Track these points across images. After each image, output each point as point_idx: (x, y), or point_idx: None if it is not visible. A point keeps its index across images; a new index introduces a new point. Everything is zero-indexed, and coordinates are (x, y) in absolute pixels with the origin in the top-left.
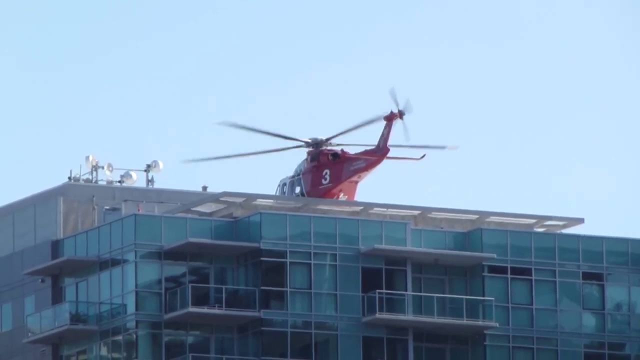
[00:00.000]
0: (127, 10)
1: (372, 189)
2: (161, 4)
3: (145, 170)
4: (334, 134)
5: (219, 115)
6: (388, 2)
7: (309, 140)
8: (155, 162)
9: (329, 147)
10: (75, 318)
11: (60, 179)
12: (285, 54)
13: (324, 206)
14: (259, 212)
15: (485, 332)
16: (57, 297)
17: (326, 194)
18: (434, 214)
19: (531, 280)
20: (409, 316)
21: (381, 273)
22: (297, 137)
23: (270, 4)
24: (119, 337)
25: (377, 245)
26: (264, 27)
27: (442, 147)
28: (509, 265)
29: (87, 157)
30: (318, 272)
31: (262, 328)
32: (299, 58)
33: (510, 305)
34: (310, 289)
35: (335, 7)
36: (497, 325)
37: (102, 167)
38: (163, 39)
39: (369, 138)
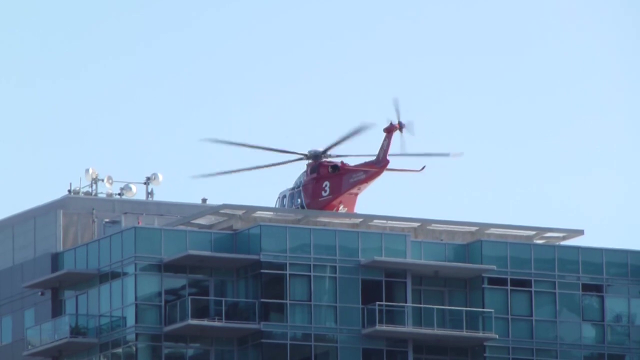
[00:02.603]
0: (127, 23)
1: (372, 201)
2: (160, 15)
3: (145, 183)
4: (331, 144)
5: (219, 127)
6: (388, 9)
7: (307, 153)
8: (155, 174)
9: (328, 159)
10: (75, 331)
11: (60, 192)
12: (283, 64)
13: (324, 218)
14: (258, 224)
15: (485, 343)
16: (57, 310)
17: (326, 206)
18: (434, 226)
19: (531, 291)
20: (408, 328)
21: (381, 285)
22: (293, 150)
23: (269, 13)
24: (119, 350)
25: (377, 257)
26: (262, 38)
27: (446, 155)
28: (508, 277)
29: (87, 170)
30: (318, 284)
31: (262, 340)
32: (298, 67)
33: (510, 316)
34: (310, 301)
35: (336, 13)
36: (497, 336)
37: (102, 180)
38: (162, 51)
39: (369, 150)
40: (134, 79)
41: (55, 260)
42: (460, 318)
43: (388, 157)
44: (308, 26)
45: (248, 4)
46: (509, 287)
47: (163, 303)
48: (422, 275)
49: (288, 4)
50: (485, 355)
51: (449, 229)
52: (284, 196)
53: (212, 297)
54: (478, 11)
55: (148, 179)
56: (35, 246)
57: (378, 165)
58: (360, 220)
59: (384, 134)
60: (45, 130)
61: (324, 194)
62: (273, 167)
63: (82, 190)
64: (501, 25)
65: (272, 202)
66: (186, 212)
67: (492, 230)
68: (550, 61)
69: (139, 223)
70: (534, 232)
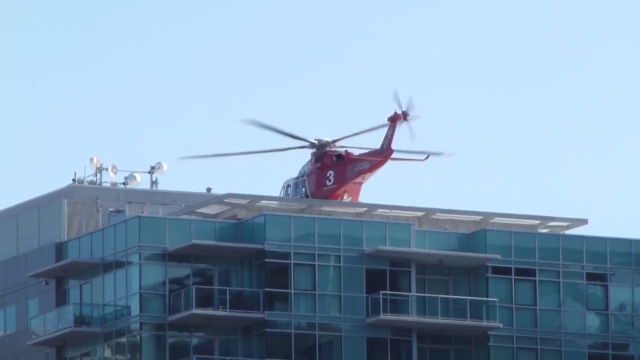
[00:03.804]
0: (129, 12)
1: (376, 190)
2: (162, 5)
3: (149, 172)
4: (339, 136)
5: (222, 116)
6: (391, 3)
7: (315, 142)
8: (159, 163)
9: (333, 149)
10: (79, 320)
11: (64, 181)
12: (288, 55)
13: (328, 207)
14: (263, 213)
15: (489, 332)
16: (61, 299)
17: (330, 195)
18: (438, 215)
19: (535, 281)
20: (413, 317)
21: (385, 274)
22: (300, 136)
23: (273, 4)
24: (123, 339)
25: (381, 247)
26: (267, 28)
27: (439, 154)
28: (512, 266)
29: (91, 159)
30: (322, 274)
31: (266, 329)
32: (302, 59)
33: (514, 306)
34: (315, 290)
35: (339, 8)
36: (501, 325)
37: (106, 169)
38: (165, 40)
39: (373, 139)
40: (139, 68)
41: (60, 249)
42: (464, 307)
43: (392, 147)
44: (311, 19)
45: None
46: (513, 276)
47: (167, 292)
48: (426, 264)
49: None
50: (489, 344)
51: (453, 218)
52: (289, 185)
53: (216, 287)
54: (479, 4)
55: (152, 168)
56: (39, 235)
57: (382, 154)
58: (365, 209)
59: (388, 124)
60: (50, 120)
61: (328, 183)
62: (277, 155)
63: (86, 179)
64: (509, 11)
65: (277, 191)
66: (190, 202)
67: (496, 220)
68: (552, 50)
69: (143, 212)
70: (538, 222)
